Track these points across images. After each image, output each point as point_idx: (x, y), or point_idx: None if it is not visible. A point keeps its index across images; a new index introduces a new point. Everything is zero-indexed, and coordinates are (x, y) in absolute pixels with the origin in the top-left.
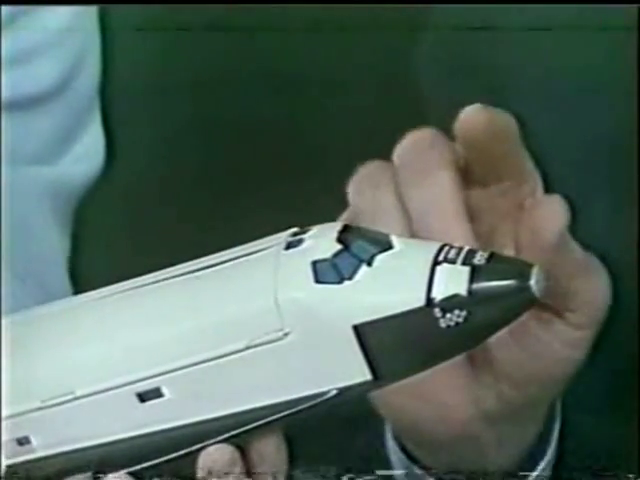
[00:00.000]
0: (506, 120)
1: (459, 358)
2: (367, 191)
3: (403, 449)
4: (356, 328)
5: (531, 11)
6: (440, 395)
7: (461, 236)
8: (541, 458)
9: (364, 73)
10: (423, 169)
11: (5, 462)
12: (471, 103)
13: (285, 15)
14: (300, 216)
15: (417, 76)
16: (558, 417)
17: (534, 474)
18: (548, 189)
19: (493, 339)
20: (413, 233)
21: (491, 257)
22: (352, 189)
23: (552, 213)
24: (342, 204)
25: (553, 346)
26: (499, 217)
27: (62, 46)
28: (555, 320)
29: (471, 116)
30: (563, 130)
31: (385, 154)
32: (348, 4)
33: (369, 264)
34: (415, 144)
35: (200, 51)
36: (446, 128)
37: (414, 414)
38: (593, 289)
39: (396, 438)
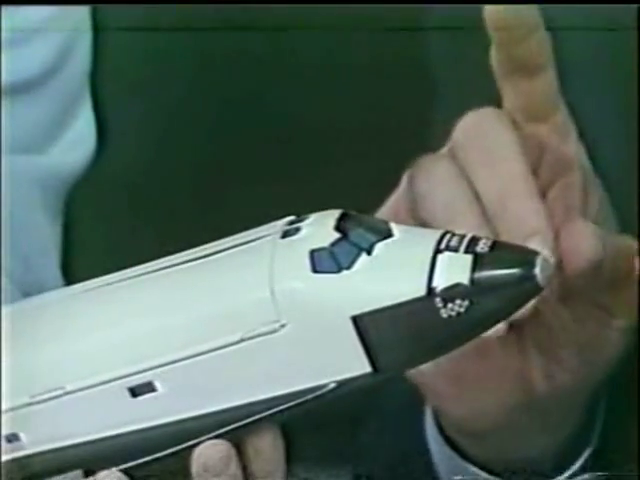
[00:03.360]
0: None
1: (511, 343)
2: (438, 185)
3: (445, 438)
4: (355, 319)
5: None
6: (494, 381)
7: (537, 215)
8: (583, 449)
9: (363, 72)
10: (491, 151)
11: None
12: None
13: (282, 11)
14: (295, 209)
15: (427, 62)
16: (601, 410)
17: (577, 464)
18: None
19: (552, 322)
20: (489, 219)
21: (495, 245)
22: (416, 180)
23: (581, 245)
24: (338, 200)
25: (605, 331)
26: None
27: (51, 32)
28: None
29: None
30: None
31: (384, 151)
32: (346, 4)
33: (368, 253)
34: (478, 125)
35: (194, 39)
36: (457, 114)
37: (465, 400)
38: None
39: (438, 427)
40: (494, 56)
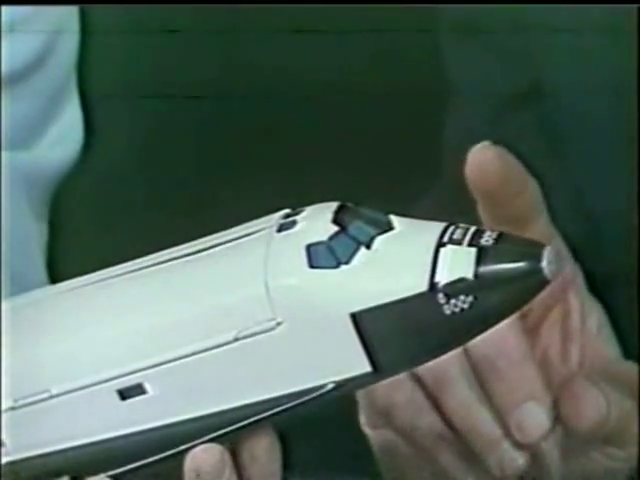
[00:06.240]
0: (511, 158)
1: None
2: None
3: None
4: (354, 316)
5: (531, 11)
6: None
7: (531, 380)
8: None
9: (360, 71)
10: None
11: None
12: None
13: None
14: (286, 203)
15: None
16: None
17: None
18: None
19: (553, 464)
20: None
21: (500, 237)
22: None
23: (584, 410)
24: (329, 195)
25: (611, 463)
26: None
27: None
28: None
29: (480, 154)
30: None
31: (382, 150)
32: (343, 4)
33: (368, 247)
34: None
35: (183, 37)
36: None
37: None
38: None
39: None
40: (481, 212)
